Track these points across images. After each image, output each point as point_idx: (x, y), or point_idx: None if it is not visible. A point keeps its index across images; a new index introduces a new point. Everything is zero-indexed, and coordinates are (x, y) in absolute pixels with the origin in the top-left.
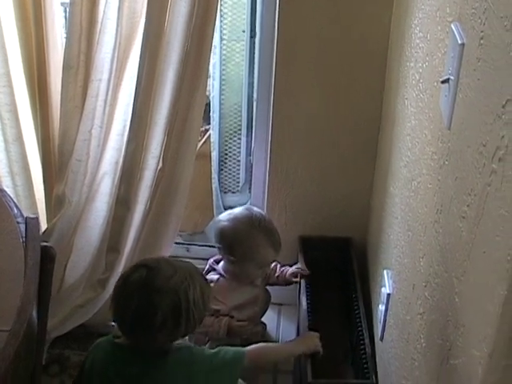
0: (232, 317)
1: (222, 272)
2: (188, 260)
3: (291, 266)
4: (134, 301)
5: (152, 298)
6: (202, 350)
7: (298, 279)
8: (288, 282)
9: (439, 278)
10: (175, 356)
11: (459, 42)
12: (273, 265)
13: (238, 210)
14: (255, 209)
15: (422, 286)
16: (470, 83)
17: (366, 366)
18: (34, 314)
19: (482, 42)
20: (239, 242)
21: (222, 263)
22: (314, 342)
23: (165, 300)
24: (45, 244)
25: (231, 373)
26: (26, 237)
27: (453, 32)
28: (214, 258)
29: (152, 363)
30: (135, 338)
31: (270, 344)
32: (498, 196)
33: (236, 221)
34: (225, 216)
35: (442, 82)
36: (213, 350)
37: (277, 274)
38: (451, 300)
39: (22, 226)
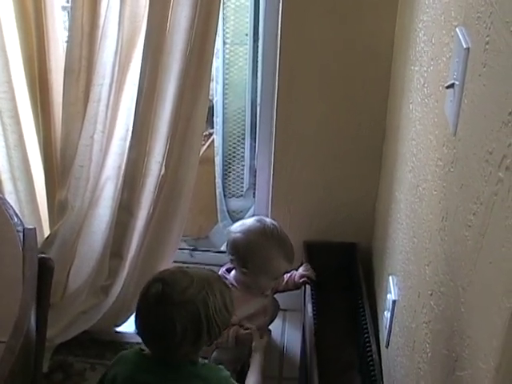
0: (241, 326)
1: (234, 282)
2: (192, 266)
3: (297, 269)
4: (152, 317)
5: (169, 312)
6: (218, 370)
7: (306, 280)
8: (298, 286)
9: (445, 287)
10: (195, 370)
11: (464, 46)
12: None
13: (250, 222)
14: (267, 219)
15: (427, 294)
16: (475, 89)
17: (373, 373)
18: (33, 326)
19: (487, 46)
20: (252, 254)
21: (233, 272)
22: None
23: (182, 313)
24: (43, 255)
25: None
26: (23, 248)
27: (458, 36)
28: (226, 266)
29: (174, 375)
30: (159, 352)
31: (252, 371)
32: (505, 206)
33: (249, 232)
34: (237, 227)
35: (447, 87)
36: (226, 373)
37: (286, 280)
38: (457, 310)
39: (22, 235)
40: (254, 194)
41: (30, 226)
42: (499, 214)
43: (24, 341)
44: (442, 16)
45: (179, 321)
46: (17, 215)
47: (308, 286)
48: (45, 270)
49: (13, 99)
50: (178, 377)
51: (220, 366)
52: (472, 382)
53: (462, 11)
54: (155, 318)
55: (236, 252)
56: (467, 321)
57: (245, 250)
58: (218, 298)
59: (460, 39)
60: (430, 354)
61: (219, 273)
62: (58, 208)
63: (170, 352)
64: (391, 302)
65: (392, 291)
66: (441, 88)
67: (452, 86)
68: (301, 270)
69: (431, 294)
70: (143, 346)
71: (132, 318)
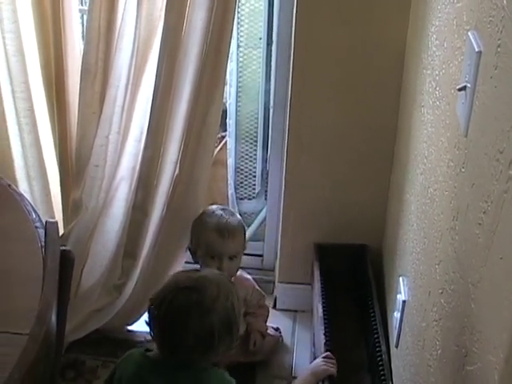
0: None
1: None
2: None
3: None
4: (189, 326)
5: (206, 319)
6: (222, 374)
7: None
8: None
9: (455, 285)
10: (199, 374)
11: (476, 49)
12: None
13: None
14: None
15: (437, 292)
16: (486, 91)
17: (382, 373)
18: (53, 318)
19: (499, 49)
20: (193, 228)
21: None
22: (324, 370)
23: (217, 319)
24: (64, 248)
25: None
26: (45, 241)
27: (470, 40)
28: None
29: (177, 378)
30: (178, 357)
31: None
32: None
33: (201, 213)
34: None
35: (459, 89)
36: (230, 379)
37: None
38: (467, 306)
39: (40, 231)
40: (266, 196)
41: (52, 220)
42: (509, 211)
43: (46, 331)
44: (455, 20)
45: (216, 327)
46: (35, 211)
47: (318, 287)
48: (66, 262)
49: (29, 99)
50: (181, 380)
51: (225, 373)
52: (481, 375)
53: (474, 15)
54: (193, 328)
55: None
56: (477, 316)
57: (191, 227)
58: (237, 301)
59: (472, 43)
60: (439, 351)
61: None
62: (72, 207)
63: (205, 359)
64: (401, 303)
65: (402, 292)
66: (453, 91)
67: (464, 88)
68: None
69: (441, 293)
70: (150, 347)
71: (144, 317)
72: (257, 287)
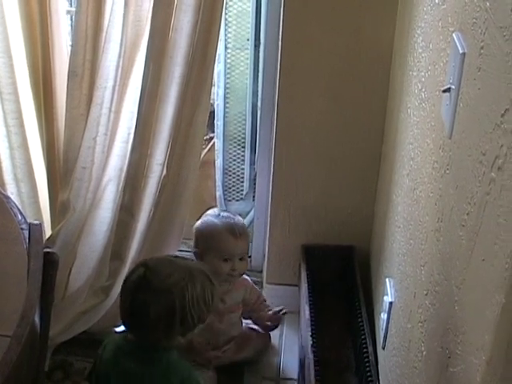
0: None
1: None
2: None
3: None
4: (129, 299)
5: (145, 297)
6: (189, 365)
7: (271, 325)
8: (265, 328)
9: (439, 286)
10: (170, 358)
11: (460, 51)
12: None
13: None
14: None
15: (423, 294)
16: (470, 92)
17: (369, 374)
18: (37, 319)
19: (482, 51)
20: (202, 231)
21: None
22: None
23: (158, 300)
24: (48, 250)
25: None
26: (29, 243)
27: (454, 41)
28: None
29: (151, 359)
30: (134, 333)
31: None
32: (497, 204)
33: (204, 217)
34: None
35: (444, 91)
36: (195, 373)
37: (260, 313)
38: (451, 308)
39: (26, 233)
40: (254, 197)
41: (36, 222)
42: (492, 213)
43: (29, 333)
44: (440, 22)
45: (153, 307)
46: (21, 213)
47: (305, 289)
48: (50, 264)
49: (17, 101)
50: (155, 361)
51: (190, 365)
52: (464, 376)
53: (459, 17)
54: (132, 301)
55: (193, 236)
56: (461, 318)
57: (197, 230)
58: (197, 291)
59: (456, 44)
60: (424, 353)
61: None
62: (59, 209)
63: (144, 335)
64: (388, 304)
65: (389, 293)
66: (438, 92)
67: (448, 90)
68: (270, 313)
69: (426, 294)
70: None
71: None
72: (254, 286)
